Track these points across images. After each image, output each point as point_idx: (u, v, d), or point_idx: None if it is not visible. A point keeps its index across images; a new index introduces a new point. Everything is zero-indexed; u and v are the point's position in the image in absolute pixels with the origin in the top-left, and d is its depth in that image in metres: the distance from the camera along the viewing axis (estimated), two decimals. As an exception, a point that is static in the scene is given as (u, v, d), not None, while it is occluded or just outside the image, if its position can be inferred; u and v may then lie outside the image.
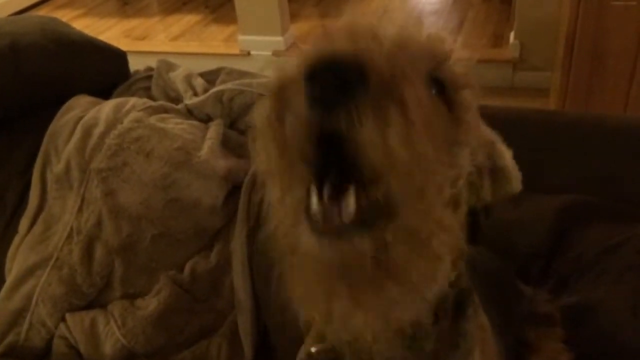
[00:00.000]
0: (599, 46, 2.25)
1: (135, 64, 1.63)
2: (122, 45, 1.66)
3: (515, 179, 0.64)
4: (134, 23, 4.19)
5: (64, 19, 1.61)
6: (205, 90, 1.40)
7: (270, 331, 1.14)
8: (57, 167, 1.23)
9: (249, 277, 1.15)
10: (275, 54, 3.45)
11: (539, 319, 0.93)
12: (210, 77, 1.49)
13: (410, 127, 0.42)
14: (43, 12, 4.54)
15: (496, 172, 0.62)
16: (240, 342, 1.14)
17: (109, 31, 4.09)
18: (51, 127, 1.30)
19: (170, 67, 1.50)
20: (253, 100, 1.36)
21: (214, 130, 1.29)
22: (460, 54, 0.55)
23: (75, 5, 4.70)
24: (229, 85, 1.36)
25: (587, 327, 0.95)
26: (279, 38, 3.44)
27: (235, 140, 1.34)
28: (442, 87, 0.52)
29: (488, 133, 0.63)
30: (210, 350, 1.13)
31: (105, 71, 1.51)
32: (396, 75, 0.43)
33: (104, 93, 1.46)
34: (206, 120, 1.36)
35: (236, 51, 3.54)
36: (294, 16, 3.79)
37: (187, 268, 1.17)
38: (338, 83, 0.41)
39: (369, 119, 0.41)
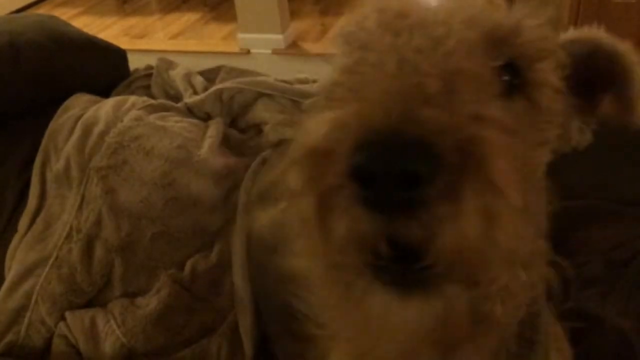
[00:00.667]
0: None
1: (134, 63, 1.63)
2: (121, 43, 1.66)
3: None
4: (133, 21, 4.19)
5: (63, 17, 1.61)
6: (205, 89, 1.40)
7: (270, 330, 1.14)
8: (57, 166, 1.23)
9: (249, 276, 1.15)
10: (275, 52, 3.44)
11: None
12: (210, 76, 1.49)
13: (501, 205, 0.33)
14: (42, 10, 4.53)
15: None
16: (240, 340, 1.14)
17: (108, 29, 4.08)
18: (51, 126, 1.29)
19: (170, 65, 1.50)
20: (253, 98, 1.36)
21: (214, 128, 1.29)
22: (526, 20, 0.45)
23: (74, 3, 4.69)
24: (228, 84, 1.36)
25: (595, 343, 0.93)
26: (279, 36, 3.43)
27: (235, 138, 1.35)
28: (514, 68, 0.44)
29: None
30: (210, 349, 1.12)
31: (104, 70, 1.51)
32: (470, 132, 0.33)
33: (104, 91, 1.46)
34: (206, 118, 1.36)
35: (236, 49, 3.53)
36: (293, 14, 3.78)
37: (187, 267, 1.17)
38: (401, 177, 0.31)
39: (447, 218, 0.33)
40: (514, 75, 0.44)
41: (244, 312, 1.14)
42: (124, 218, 1.15)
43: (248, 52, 3.50)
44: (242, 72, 1.46)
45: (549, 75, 0.47)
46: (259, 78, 1.39)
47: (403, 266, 0.36)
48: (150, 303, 1.12)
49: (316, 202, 0.36)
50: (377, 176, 0.31)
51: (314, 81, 1.39)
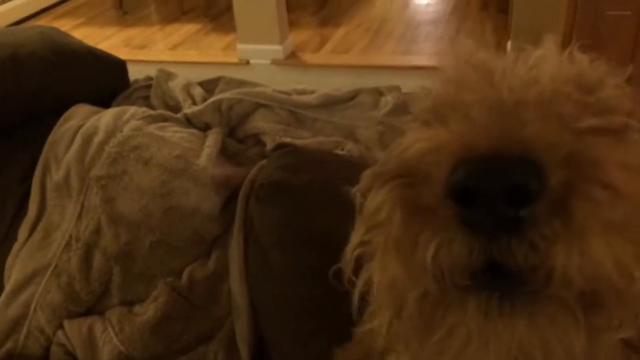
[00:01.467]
0: (594, 54, 2.27)
1: (134, 73, 1.64)
2: (122, 54, 1.68)
3: None
4: (133, 32, 4.22)
5: (64, 29, 1.63)
6: (204, 99, 1.42)
7: (267, 336, 1.15)
8: (57, 175, 1.24)
9: (246, 284, 1.16)
10: (274, 62, 3.47)
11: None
12: (209, 86, 1.51)
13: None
14: (42, 21, 4.57)
15: None
16: (237, 348, 1.15)
17: (109, 40, 4.11)
18: (51, 136, 1.31)
19: (169, 76, 1.52)
20: (251, 109, 1.38)
21: (213, 138, 1.30)
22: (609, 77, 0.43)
23: (74, 14, 4.73)
24: (227, 94, 1.38)
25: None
26: (278, 47, 3.46)
27: (233, 148, 1.36)
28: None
29: None
30: (207, 357, 1.14)
31: (104, 80, 1.53)
32: (581, 149, 0.31)
33: (104, 102, 1.47)
34: (205, 128, 1.38)
35: (235, 60, 3.56)
36: (292, 25, 3.82)
37: (185, 275, 1.18)
38: (507, 193, 0.29)
39: (560, 236, 0.30)
40: None
41: (240, 319, 1.15)
42: (123, 227, 1.16)
43: (247, 62, 3.52)
44: (241, 83, 1.48)
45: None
46: (258, 89, 1.41)
47: (504, 287, 0.33)
48: (147, 311, 1.13)
49: (410, 221, 0.33)
50: (481, 193, 0.29)
51: (312, 92, 1.41)
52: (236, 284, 1.17)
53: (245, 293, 1.17)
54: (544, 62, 0.42)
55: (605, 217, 0.30)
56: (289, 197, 1.12)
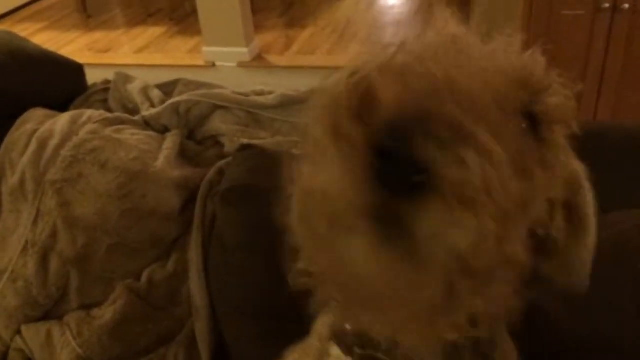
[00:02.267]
0: (549, 54, 2.33)
1: (99, 77, 1.63)
2: (86, 58, 1.68)
3: (591, 237, 0.55)
4: (97, 36, 4.17)
5: (25, 33, 1.62)
6: (162, 102, 1.42)
7: (227, 336, 1.16)
8: (12, 180, 1.23)
9: (206, 284, 1.17)
10: (241, 64, 3.47)
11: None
12: (168, 89, 1.51)
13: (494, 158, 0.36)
14: (4, 26, 4.48)
15: (574, 218, 0.54)
16: (197, 349, 1.16)
17: (72, 44, 4.06)
18: (6, 140, 1.30)
19: (127, 79, 1.51)
20: (209, 110, 1.39)
21: (171, 140, 1.31)
22: (556, 84, 0.48)
23: (37, 18, 4.66)
24: (185, 97, 1.38)
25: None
26: (244, 49, 3.46)
27: (192, 150, 1.37)
28: (534, 121, 0.46)
29: (576, 168, 0.54)
30: (167, 358, 1.14)
31: (62, 84, 1.52)
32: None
33: (61, 106, 1.46)
34: (163, 131, 1.38)
35: (201, 62, 3.55)
36: (258, 27, 3.82)
37: (144, 277, 1.18)
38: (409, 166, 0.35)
39: (452, 149, 0.35)
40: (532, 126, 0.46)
41: (200, 320, 1.16)
42: (79, 230, 1.16)
43: (213, 65, 3.52)
44: (200, 85, 1.49)
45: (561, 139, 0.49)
46: (215, 90, 1.42)
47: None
48: (106, 314, 1.13)
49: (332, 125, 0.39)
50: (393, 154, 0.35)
51: (270, 93, 1.42)
52: (196, 285, 1.18)
53: (205, 294, 1.17)
54: (498, 54, 0.46)
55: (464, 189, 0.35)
56: (254, 200, 1.12)
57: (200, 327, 1.16)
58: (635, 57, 2.26)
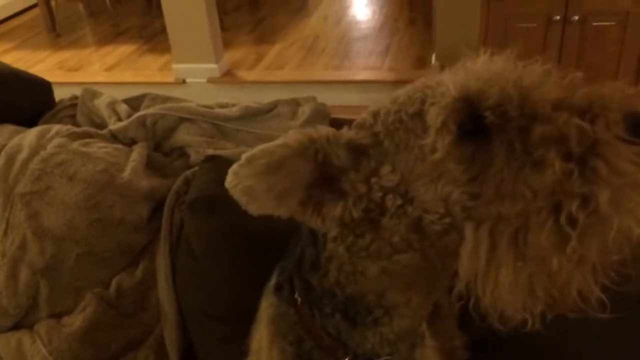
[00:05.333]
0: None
1: (69, 95, 1.66)
2: (56, 77, 1.71)
3: None
4: (67, 54, 4.19)
5: (-6, 52, 1.64)
6: (129, 116, 1.46)
7: (194, 339, 1.20)
8: (-19, 194, 1.26)
9: (173, 290, 1.21)
10: (211, 80, 3.52)
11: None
12: (135, 103, 1.55)
13: None
14: (-27, 46, 4.47)
15: None
16: (166, 352, 1.19)
17: (42, 63, 4.06)
18: (-25, 156, 1.32)
19: (95, 94, 1.56)
20: (175, 123, 1.43)
21: (137, 152, 1.35)
22: None
23: (6, 38, 4.65)
24: (151, 110, 1.43)
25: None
26: (214, 65, 3.52)
27: (159, 161, 1.41)
28: None
29: None
30: (137, 362, 1.17)
31: (30, 101, 1.56)
32: None
33: (30, 122, 1.49)
34: (130, 144, 1.42)
35: (171, 79, 3.59)
36: (228, 44, 3.89)
37: (113, 285, 1.22)
38: None
39: None
40: None
41: (169, 325, 1.19)
42: (48, 241, 1.19)
43: (183, 81, 3.56)
44: (166, 99, 1.53)
45: None
46: (181, 104, 1.47)
47: None
48: (75, 321, 1.16)
49: None
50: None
51: (234, 105, 1.47)
52: (164, 291, 1.22)
53: (173, 299, 1.21)
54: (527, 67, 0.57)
55: None
56: (222, 210, 1.16)
57: (169, 332, 1.20)
58: (586, 65, 2.38)
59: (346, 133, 0.61)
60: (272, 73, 3.59)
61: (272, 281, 0.79)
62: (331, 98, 3.05)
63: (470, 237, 0.54)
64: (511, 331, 0.55)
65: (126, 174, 1.28)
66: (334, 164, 0.60)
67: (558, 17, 2.33)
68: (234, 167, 0.59)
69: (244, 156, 0.59)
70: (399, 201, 0.58)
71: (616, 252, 0.49)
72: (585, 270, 0.50)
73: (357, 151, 0.60)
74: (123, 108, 1.50)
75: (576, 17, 2.32)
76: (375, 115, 0.60)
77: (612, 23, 2.32)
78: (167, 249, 1.23)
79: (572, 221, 0.48)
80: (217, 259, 1.14)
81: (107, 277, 1.23)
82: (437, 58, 3.17)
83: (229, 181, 0.59)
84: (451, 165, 0.54)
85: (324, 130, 0.61)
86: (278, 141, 0.59)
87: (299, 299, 0.70)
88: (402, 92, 0.60)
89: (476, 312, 0.55)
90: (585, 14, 2.32)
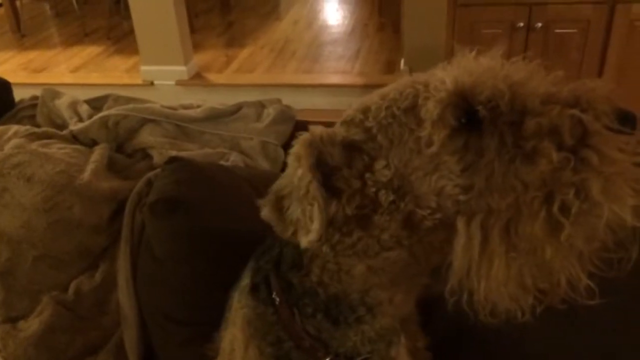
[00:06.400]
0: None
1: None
2: (20, 77, 1.67)
3: None
4: (32, 55, 4.10)
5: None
6: (91, 116, 1.44)
7: (155, 343, 1.18)
8: None
9: (134, 293, 1.19)
10: (179, 83, 3.49)
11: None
12: (97, 104, 1.53)
13: None
14: None
15: None
16: (126, 357, 1.17)
17: (6, 64, 3.97)
18: None
19: (56, 94, 1.53)
20: (138, 124, 1.42)
21: (98, 153, 1.33)
22: None
23: (-31, 38, 4.54)
24: (113, 111, 1.41)
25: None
26: (182, 68, 3.48)
27: (121, 162, 1.39)
28: None
29: None
30: (95, 367, 1.15)
31: (-12, 101, 1.52)
32: None
33: (-12, 122, 1.46)
34: (92, 145, 1.40)
35: (139, 81, 3.55)
36: (197, 46, 3.86)
37: (72, 288, 1.19)
38: None
39: None
40: None
41: (128, 329, 1.17)
42: (4, 244, 1.16)
43: (152, 83, 3.52)
44: (129, 100, 1.52)
45: None
46: (144, 105, 1.45)
47: None
48: (32, 325, 1.14)
49: None
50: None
51: (198, 106, 1.47)
52: (124, 295, 1.20)
53: (134, 303, 1.20)
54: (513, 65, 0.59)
55: None
56: (184, 212, 1.15)
57: (129, 335, 1.18)
58: (549, 71, 2.42)
59: (339, 131, 0.61)
60: (242, 76, 3.57)
61: (245, 282, 0.78)
62: (301, 101, 3.06)
63: (463, 231, 0.54)
64: (481, 328, 0.56)
65: (86, 175, 1.26)
66: (328, 164, 0.60)
67: (522, 24, 2.37)
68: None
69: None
70: (392, 197, 0.58)
71: (603, 239, 0.51)
72: (575, 258, 0.52)
73: (350, 148, 0.60)
74: (84, 109, 1.47)
75: (539, 24, 2.36)
76: (364, 111, 0.61)
77: (574, 30, 2.37)
78: (128, 252, 1.21)
79: (565, 210, 0.50)
80: (178, 261, 1.13)
81: (65, 280, 1.20)
82: (405, 63, 3.20)
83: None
84: (446, 157, 0.55)
85: (318, 130, 0.61)
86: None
87: (277, 299, 0.70)
88: (390, 89, 0.61)
89: (469, 307, 0.56)
90: (549, 21, 2.37)
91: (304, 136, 0.60)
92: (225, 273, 0.94)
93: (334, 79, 3.43)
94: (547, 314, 0.56)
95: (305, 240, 0.57)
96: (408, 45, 3.16)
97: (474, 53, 0.61)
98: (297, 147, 0.59)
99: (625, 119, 0.52)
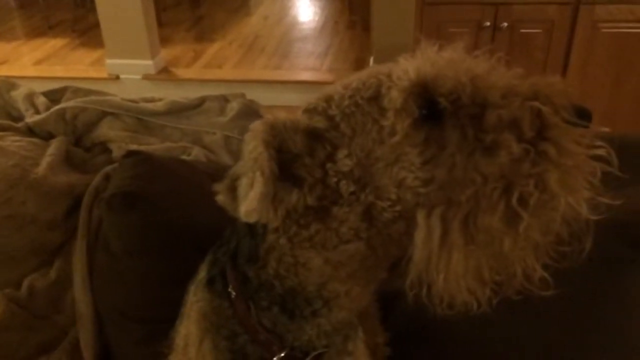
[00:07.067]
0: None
1: None
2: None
3: None
4: (-7, 47, 3.99)
5: None
6: (48, 109, 1.40)
7: (111, 341, 1.15)
8: None
9: (90, 291, 1.16)
10: (146, 77, 3.43)
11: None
12: (55, 96, 1.49)
13: None
14: None
15: None
16: (81, 356, 1.14)
17: (-35, 55, 3.86)
18: None
19: (12, 86, 1.48)
20: (97, 117, 1.38)
21: (55, 146, 1.29)
22: None
23: None
24: (71, 103, 1.37)
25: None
26: (149, 62, 3.43)
27: (79, 156, 1.35)
28: None
29: None
30: (49, 366, 1.12)
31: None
32: None
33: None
34: (49, 138, 1.36)
35: (104, 75, 3.48)
36: (165, 40, 3.80)
37: (25, 285, 1.15)
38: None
39: None
40: None
41: (84, 327, 1.14)
42: (-47, 239, 1.12)
43: (117, 77, 3.46)
44: (88, 92, 1.48)
45: None
46: (104, 97, 1.42)
47: None
48: (-18, 324, 1.10)
49: None
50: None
51: (160, 100, 1.44)
52: (80, 292, 1.17)
53: (90, 300, 1.16)
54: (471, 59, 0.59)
55: None
56: (142, 206, 1.13)
57: (84, 334, 1.14)
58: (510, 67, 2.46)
59: (302, 119, 0.60)
60: (210, 71, 3.53)
61: (202, 275, 0.77)
62: (270, 98, 3.05)
63: (423, 224, 0.54)
64: (437, 322, 0.56)
65: (41, 169, 1.22)
66: (291, 151, 0.58)
67: (488, 23, 2.40)
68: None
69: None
70: (353, 187, 0.57)
71: (559, 231, 0.51)
72: (532, 250, 0.52)
73: (312, 136, 0.59)
74: (42, 101, 1.43)
75: (505, 24, 2.39)
76: (328, 99, 0.60)
77: (539, 30, 2.41)
78: (84, 248, 1.18)
79: (524, 202, 0.50)
80: (135, 258, 1.10)
81: (18, 277, 1.16)
82: (375, 60, 3.21)
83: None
84: (407, 149, 0.54)
85: (282, 115, 0.59)
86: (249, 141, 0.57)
87: (233, 293, 0.68)
88: (353, 79, 0.60)
89: (428, 300, 0.55)
90: (514, 20, 2.40)
91: (266, 118, 0.59)
92: (184, 269, 0.92)
93: (304, 76, 3.42)
94: (498, 306, 0.56)
95: (242, 209, 0.55)
96: (377, 43, 3.16)
97: (436, 46, 0.61)
98: (256, 123, 0.57)
99: (581, 114, 0.53)
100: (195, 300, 0.76)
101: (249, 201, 0.54)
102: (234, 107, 1.40)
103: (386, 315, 1.04)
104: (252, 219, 0.56)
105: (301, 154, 0.58)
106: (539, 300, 0.55)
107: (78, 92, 1.48)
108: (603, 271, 0.79)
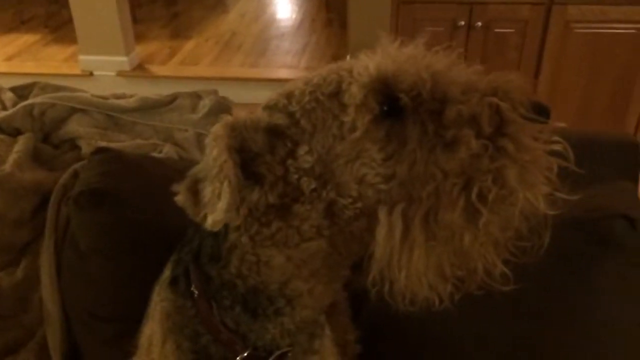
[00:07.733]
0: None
1: None
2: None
3: None
4: (-38, 42, 3.90)
5: None
6: (15, 104, 1.37)
7: (79, 341, 1.13)
8: None
9: (58, 290, 1.14)
10: (120, 74, 3.39)
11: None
12: (23, 92, 1.46)
13: None
14: None
15: None
16: (49, 356, 1.12)
17: None
18: None
19: (-22, 81, 1.45)
20: (66, 113, 1.36)
21: (22, 143, 1.27)
22: None
23: None
24: (39, 99, 1.35)
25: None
26: (124, 58, 3.38)
27: (47, 153, 1.33)
28: None
29: None
30: (15, 367, 1.10)
31: None
32: None
33: None
34: (16, 134, 1.33)
35: (78, 71, 3.43)
36: (140, 37, 3.76)
37: (-10, 285, 1.13)
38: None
39: None
40: None
41: (52, 326, 1.12)
42: None
43: (91, 74, 3.41)
44: (58, 88, 1.45)
45: None
46: (74, 94, 1.39)
47: None
48: (-55, 324, 1.07)
49: None
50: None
51: (131, 96, 1.42)
52: (48, 291, 1.15)
53: (58, 299, 1.14)
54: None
55: None
56: (111, 204, 1.11)
57: (52, 333, 1.12)
58: (489, 69, 2.48)
59: (262, 117, 0.59)
60: (186, 68, 3.50)
61: (166, 274, 0.76)
62: (246, 95, 3.03)
63: (384, 220, 0.54)
64: (404, 318, 0.56)
65: (7, 166, 1.20)
66: (252, 150, 0.58)
67: (463, 23, 2.42)
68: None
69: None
70: (314, 184, 0.57)
71: (518, 226, 0.52)
72: (492, 245, 0.52)
73: (273, 133, 0.58)
74: (9, 96, 1.40)
75: (480, 23, 2.41)
76: (288, 96, 0.59)
77: (512, 30, 2.43)
78: (52, 246, 1.16)
79: (483, 197, 0.50)
80: (103, 256, 1.08)
81: (-17, 276, 1.14)
82: (351, 58, 3.21)
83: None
84: (368, 145, 0.54)
85: (242, 114, 0.59)
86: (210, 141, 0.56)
87: (196, 292, 0.68)
88: (314, 75, 0.60)
89: (390, 297, 0.55)
90: (489, 20, 2.42)
91: (226, 118, 0.58)
92: (153, 267, 0.91)
93: (281, 74, 3.40)
94: (465, 301, 0.56)
95: (210, 220, 0.54)
96: (354, 40, 3.17)
97: (397, 42, 0.61)
98: (217, 127, 0.57)
99: (539, 110, 0.53)
100: (159, 300, 0.75)
101: (218, 212, 0.54)
102: (206, 104, 1.39)
103: (357, 312, 1.04)
104: (217, 228, 0.56)
105: (262, 152, 0.58)
106: (502, 296, 0.55)
107: (47, 87, 1.46)
108: (566, 267, 0.80)
